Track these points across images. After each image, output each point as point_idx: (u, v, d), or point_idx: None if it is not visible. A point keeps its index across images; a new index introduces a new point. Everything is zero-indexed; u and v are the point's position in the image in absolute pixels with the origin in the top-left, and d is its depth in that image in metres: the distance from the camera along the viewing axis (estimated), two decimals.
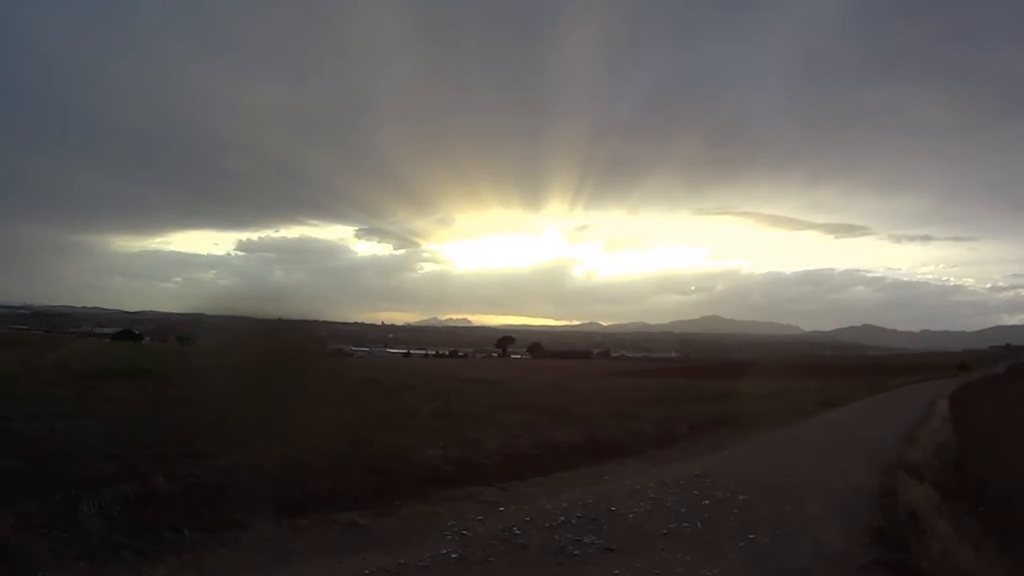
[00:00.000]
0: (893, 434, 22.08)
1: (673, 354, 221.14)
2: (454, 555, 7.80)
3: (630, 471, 13.50)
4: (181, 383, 16.84)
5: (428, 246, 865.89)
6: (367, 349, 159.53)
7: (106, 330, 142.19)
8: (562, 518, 9.39)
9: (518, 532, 8.64)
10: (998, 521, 10.70)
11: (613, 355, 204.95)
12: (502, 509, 9.75)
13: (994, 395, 51.76)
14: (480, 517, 9.20)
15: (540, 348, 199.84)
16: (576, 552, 8.13)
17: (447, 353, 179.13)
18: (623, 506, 10.17)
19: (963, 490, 12.92)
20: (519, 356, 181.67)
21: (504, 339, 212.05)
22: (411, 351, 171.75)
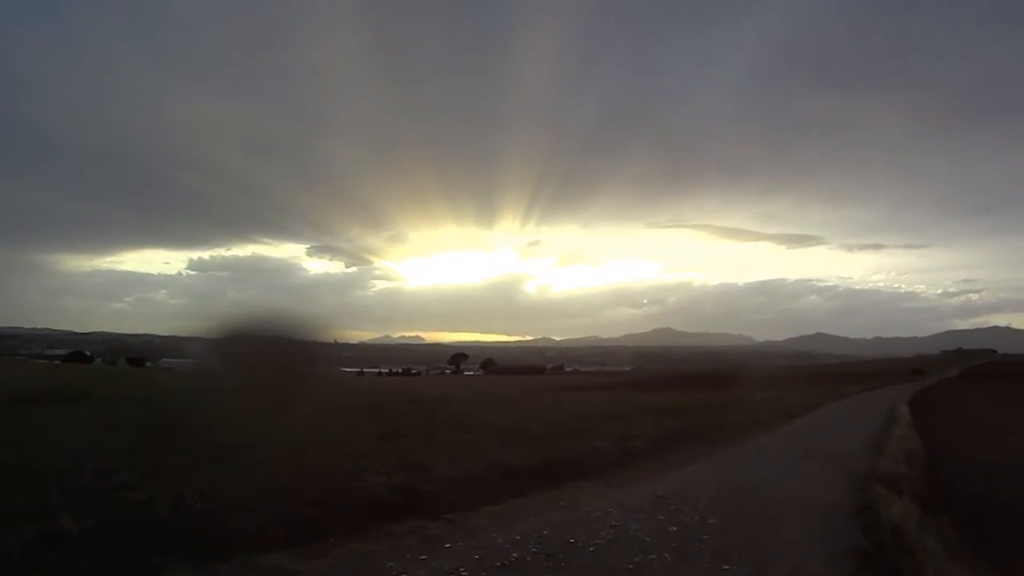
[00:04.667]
0: (859, 443, 21.85)
1: (627, 367, 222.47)
2: None
3: (588, 495, 12.80)
4: (119, 407, 16.18)
5: (381, 263, 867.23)
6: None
7: (57, 352, 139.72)
8: (515, 555, 8.61)
9: (465, 574, 7.82)
10: (984, 534, 10.32)
11: (567, 370, 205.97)
12: (448, 546, 8.95)
13: (951, 399, 52.49)
14: (423, 556, 8.46)
15: (493, 364, 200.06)
16: None
17: (400, 371, 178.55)
18: (582, 537, 9.44)
19: (941, 501, 12.56)
20: (472, 373, 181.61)
21: (457, 356, 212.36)
22: (364, 370, 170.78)
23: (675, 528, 10.18)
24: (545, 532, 9.70)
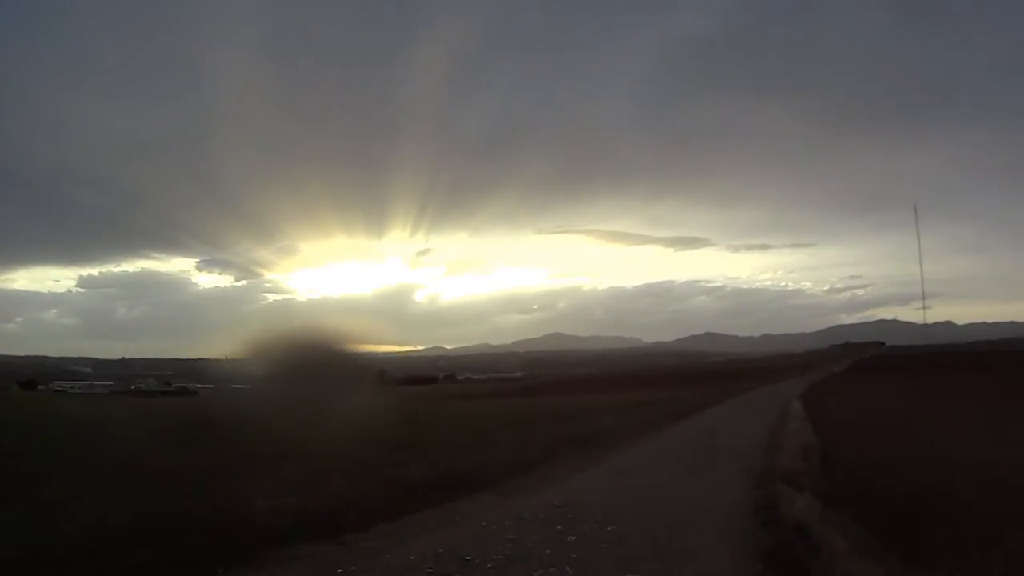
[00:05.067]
0: (755, 440, 22.09)
1: (518, 373, 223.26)
2: None
3: (484, 507, 12.41)
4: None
5: (271, 276, 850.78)
6: (211, 386, 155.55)
7: None
8: None
9: None
10: (890, 526, 10.33)
11: (459, 378, 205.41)
12: (340, 571, 8.44)
13: (842, 392, 54.02)
14: None
15: (385, 375, 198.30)
16: None
17: None
18: (479, 553, 9.05)
19: (842, 494, 12.66)
20: None
21: None
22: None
23: (574, 538, 9.88)
24: (440, 550, 9.27)
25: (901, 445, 21.63)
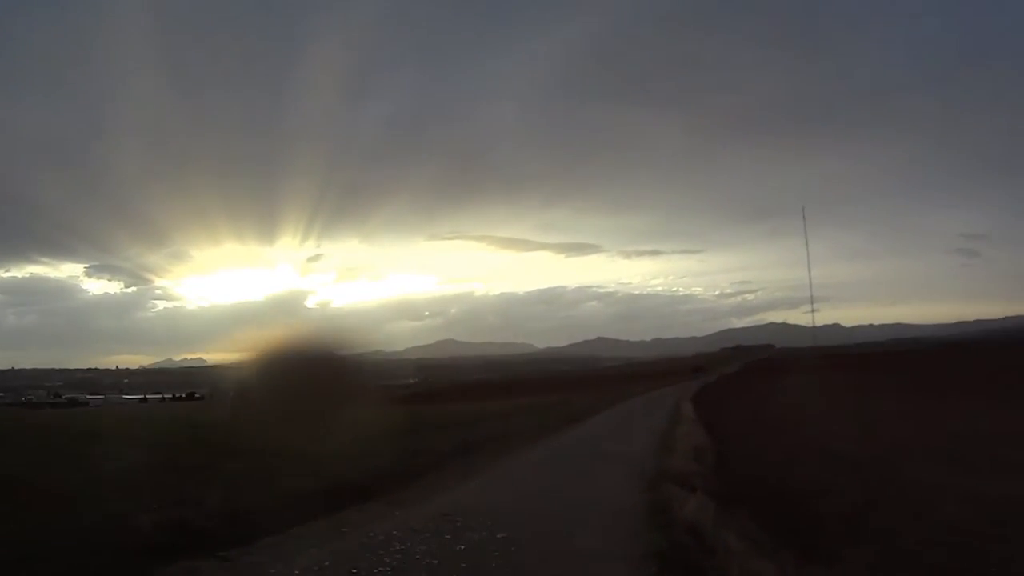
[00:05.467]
0: (648, 443, 22.25)
1: (410, 380, 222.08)
2: None
3: (372, 517, 12.10)
4: None
5: (161, 283, 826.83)
6: (102, 396, 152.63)
7: None
8: None
9: None
10: (784, 524, 10.41)
11: None
12: None
13: (732, 393, 55.09)
14: None
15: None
16: None
17: (183, 396, 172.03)
18: (365, 566, 8.79)
19: (736, 494, 12.78)
20: None
21: None
22: (147, 396, 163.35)
23: (463, 547, 9.68)
24: (327, 563, 8.97)
25: (790, 443, 22.13)
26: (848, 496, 13.12)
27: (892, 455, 19.29)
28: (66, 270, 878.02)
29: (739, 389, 61.92)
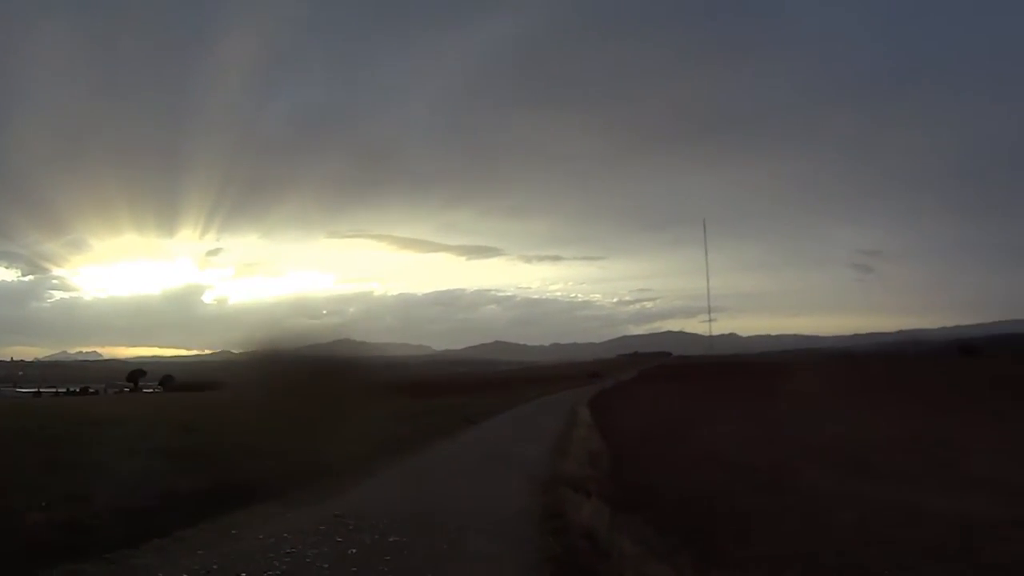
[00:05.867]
0: (543, 447, 22.17)
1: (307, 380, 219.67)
2: None
3: (263, 519, 11.82)
4: None
5: (58, 272, 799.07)
6: None
7: None
8: None
9: None
10: (680, 528, 10.39)
11: None
12: None
13: (628, 399, 55.61)
14: None
15: (173, 381, 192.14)
16: None
17: (77, 390, 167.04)
18: (256, 569, 8.56)
19: (631, 499, 12.79)
20: (152, 390, 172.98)
21: (135, 372, 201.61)
22: (41, 389, 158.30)
23: (355, 550, 9.43)
24: (215, 566, 8.69)
25: (685, 449, 22.33)
26: (743, 501, 13.27)
27: (785, 461, 19.63)
28: None
29: (635, 395, 62.60)
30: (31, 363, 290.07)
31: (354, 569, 8.63)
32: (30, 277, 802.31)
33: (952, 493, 15.22)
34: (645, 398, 56.61)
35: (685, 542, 9.53)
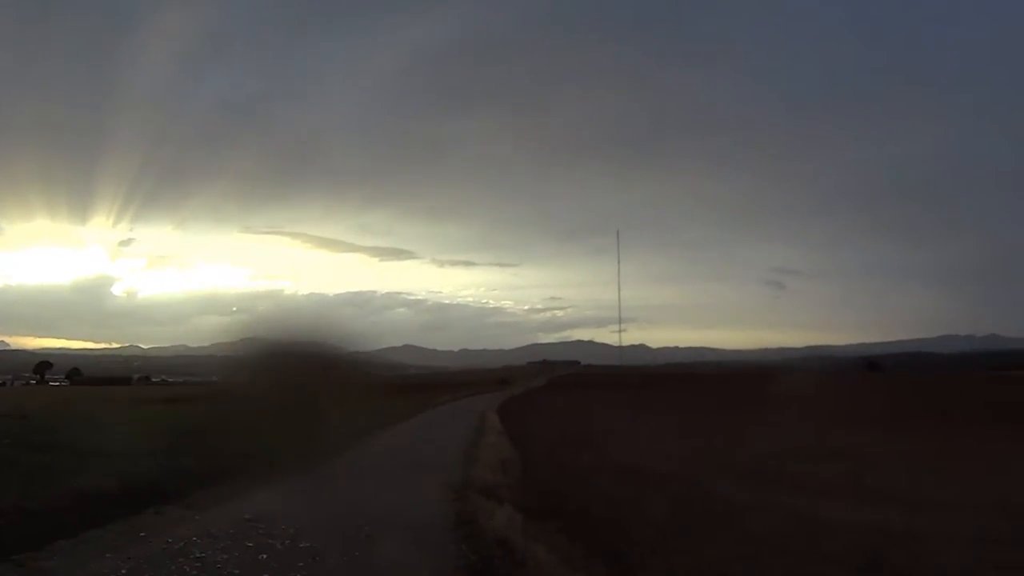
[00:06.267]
0: (454, 453, 22.11)
1: (215, 378, 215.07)
2: None
3: (171, 521, 11.57)
4: None
5: None
6: None
7: None
8: None
9: None
10: (590, 535, 10.42)
11: (154, 380, 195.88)
12: None
13: (538, 406, 55.83)
14: None
15: (80, 374, 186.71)
16: None
17: None
18: (165, 574, 8.22)
19: (543, 506, 12.81)
20: (58, 383, 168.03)
21: (42, 364, 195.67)
22: None
23: (266, 556, 9.27)
24: (123, 571, 8.41)
25: (595, 457, 22.45)
26: (654, 509, 13.37)
27: (695, 471, 19.89)
28: None
29: (544, 403, 62.88)
30: None
31: (265, 575, 8.47)
32: None
33: (854, 504, 15.61)
34: (554, 406, 56.91)
35: (599, 551, 9.56)
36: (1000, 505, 15.61)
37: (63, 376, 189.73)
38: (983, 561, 10.92)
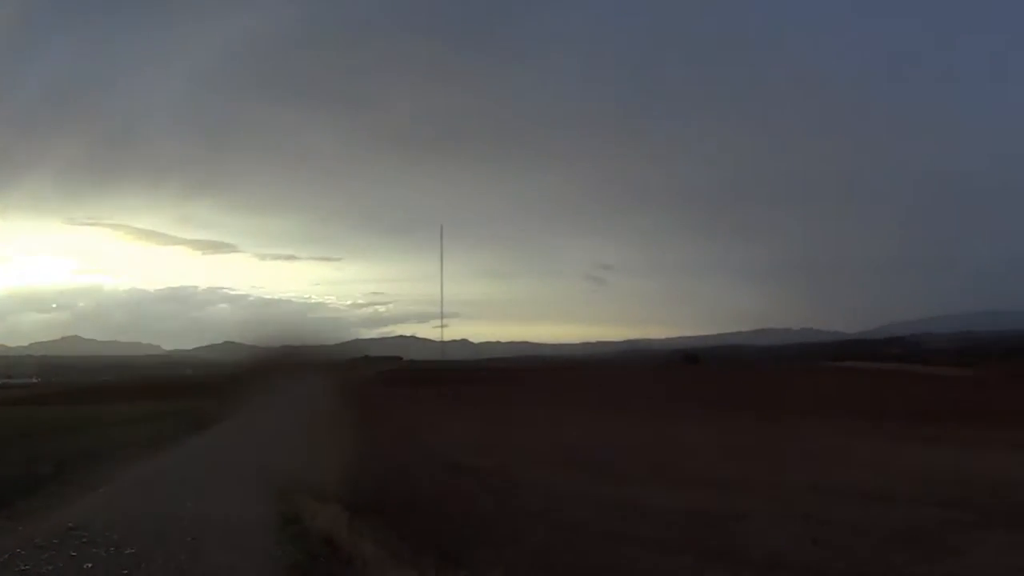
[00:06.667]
0: (279, 452, 21.68)
1: (34, 379, 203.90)
2: None
3: None
4: None
5: None
6: None
7: None
8: None
9: None
10: (417, 530, 10.61)
11: None
12: None
13: (361, 403, 55.32)
14: None
15: None
16: None
17: None
18: None
19: (369, 503, 12.90)
20: None
21: None
22: None
23: (91, 564, 9.01)
24: None
25: (419, 453, 22.66)
26: (479, 502, 13.66)
27: (520, 463, 20.33)
28: None
29: (368, 399, 62.56)
30: None
31: None
32: None
33: (675, 490, 16.37)
34: (377, 403, 56.76)
35: (427, 545, 9.73)
36: (812, 486, 16.74)
37: None
38: (799, 537, 11.74)
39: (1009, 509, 14.17)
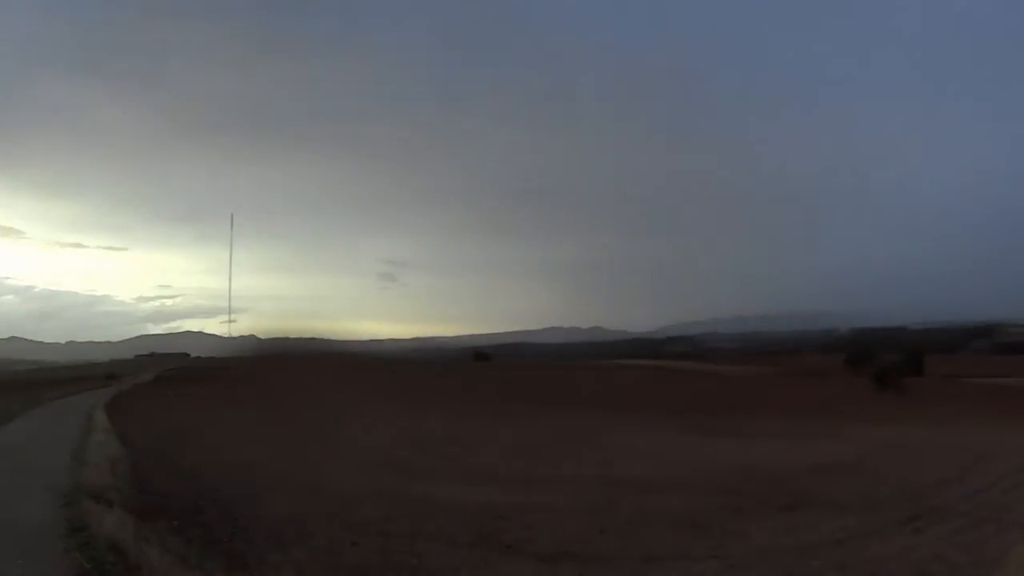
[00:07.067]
0: (60, 455, 21.01)
1: None
2: None
3: None
4: None
5: None
6: None
7: None
8: None
9: None
10: (206, 534, 10.67)
11: None
12: None
13: (147, 402, 53.82)
14: None
15: None
16: None
17: None
18: None
19: (155, 507, 12.80)
20: None
21: None
22: None
23: None
24: None
25: (206, 454, 22.35)
26: (266, 504, 13.71)
27: (311, 462, 20.41)
28: None
29: (152, 398, 60.58)
30: None
31: None
32: None
33: (466, 485, 16.88)
34: (162, 402, 55.09)
35: (213, 548, 9.78)
36: (599, 478, 17.64)
37: None
38: (587, 528, 12.44)
39: (786, 495, 15.50)
